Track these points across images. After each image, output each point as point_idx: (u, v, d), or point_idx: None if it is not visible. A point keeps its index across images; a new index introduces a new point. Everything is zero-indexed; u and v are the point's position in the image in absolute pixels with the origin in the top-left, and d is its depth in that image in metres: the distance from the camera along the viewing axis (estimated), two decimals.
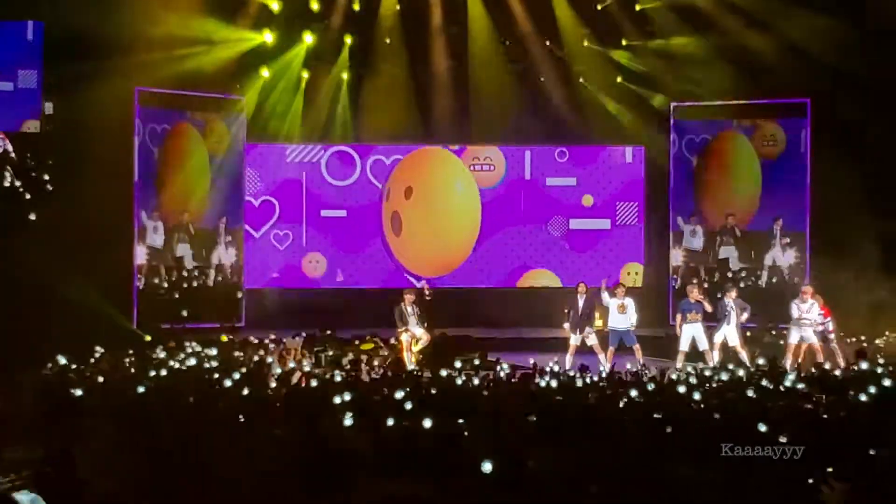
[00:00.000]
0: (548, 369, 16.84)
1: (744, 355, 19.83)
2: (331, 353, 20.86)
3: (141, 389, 12.94)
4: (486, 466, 8.11)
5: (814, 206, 25.38)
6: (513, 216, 28.15)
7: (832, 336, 20.30)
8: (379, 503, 6.79)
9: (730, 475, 8.19)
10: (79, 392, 12.88)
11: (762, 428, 9.52)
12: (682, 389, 13.47)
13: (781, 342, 21.22)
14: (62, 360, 16.34)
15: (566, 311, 21.04)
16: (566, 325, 20.93)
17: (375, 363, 19.93)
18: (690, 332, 20.37)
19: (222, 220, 26.38)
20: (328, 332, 23.19)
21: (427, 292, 22.40)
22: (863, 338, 21.45)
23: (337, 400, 11.40)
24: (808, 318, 20.05)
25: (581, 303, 20.82)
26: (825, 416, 10.91)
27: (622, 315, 20.54)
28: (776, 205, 26.11)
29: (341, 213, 27.79)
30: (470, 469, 8.08)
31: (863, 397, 12.22)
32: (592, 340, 20.64)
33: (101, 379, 14.43)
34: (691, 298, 20.70)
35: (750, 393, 13.22)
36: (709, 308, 20.51)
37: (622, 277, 26.47)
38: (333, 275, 27.76)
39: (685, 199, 27.15)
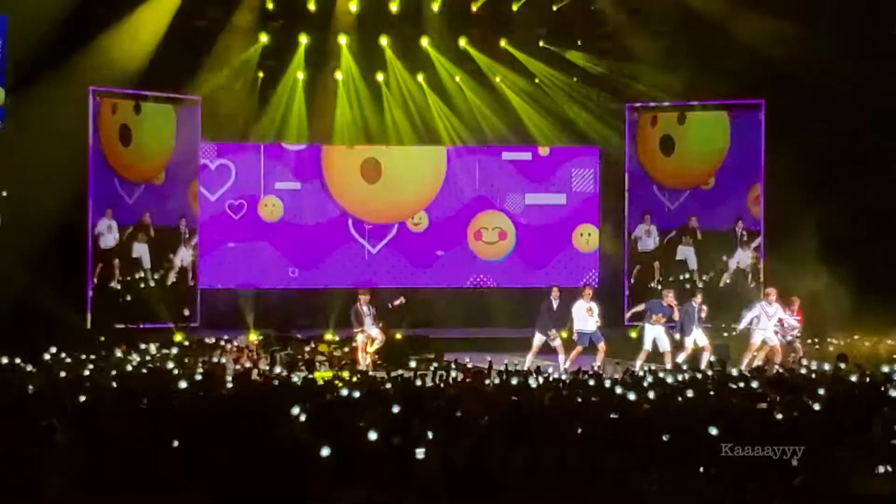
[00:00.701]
0: (503, 369, 16.83)
1: (706, 355, 19.98)
2: (286, 352, 20.81)
3: (95, 389, 12.90)
4: (419, 452, 8.22)
5: (768, 205, 25.61)
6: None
7: (797, 336, 20.44)
8: None
9: (678, 474, 8.24)
10: (31, 389, 12.81)
11: (713, 431, 9.55)
12: (638, 389, 13.50)
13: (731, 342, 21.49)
14: (16, 360, 16.27)
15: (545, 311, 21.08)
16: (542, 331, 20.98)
17: (331, 363, 20.00)
18: (653, 333, 20.49)
19: (182, 219, 26.26)
20: (286, 332, 23.22)
21: (398, 303, 22.43)
22: (832, 340, 21.68)
23: (294, 407, 11.34)
24: (773, 321, 20.19)
25: (555, 305, 20.84)
26: (779, 417, 10.96)
27: (591, 317, 20.60)
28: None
29: (296, 185, 27.76)
30: (424, 473, 8.09)
31: (817, 400, 12.27)
32: (557, 342, 20.66)
33: (55, 379, 14.36)
34: (664, 302, 20.77)
35: (688, 393, 13.31)
36: (676, 316, 20.61)
37: (575, 240, 26.73)
38: (286, 269, 27.69)
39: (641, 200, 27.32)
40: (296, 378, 14.87)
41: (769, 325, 20.18)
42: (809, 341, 21.48)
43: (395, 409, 10.80)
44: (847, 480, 7.93)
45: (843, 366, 16.10)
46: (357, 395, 12.57)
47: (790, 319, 20.31)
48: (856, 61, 22.99)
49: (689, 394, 13.11)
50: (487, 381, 15.32)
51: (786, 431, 9.86)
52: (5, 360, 16.28)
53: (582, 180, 28.05)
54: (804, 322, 20.82)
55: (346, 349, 21.31)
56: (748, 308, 20.98)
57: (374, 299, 21.49)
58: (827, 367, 16.54)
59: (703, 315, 20.81)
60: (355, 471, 8.20)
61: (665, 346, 20.36)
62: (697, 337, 20.47)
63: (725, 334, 23.14)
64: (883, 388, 13.17)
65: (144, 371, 16.67)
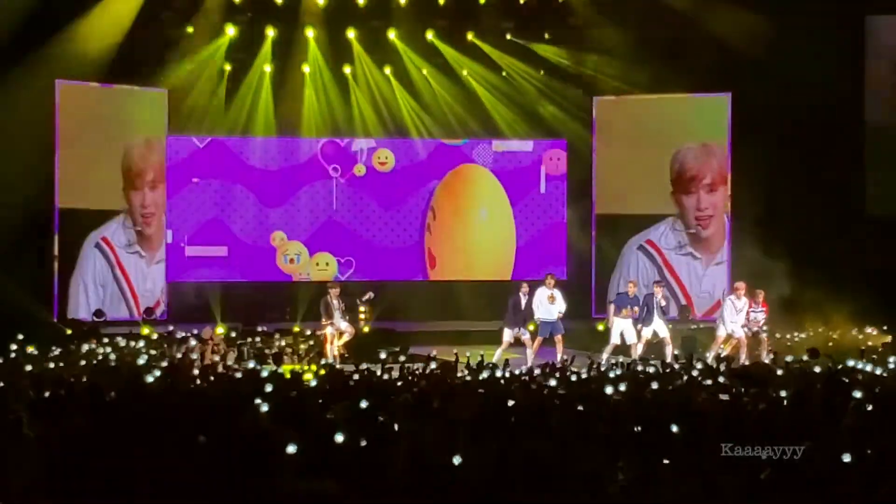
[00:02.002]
0: (471, 362, 16.79)
1: (670, 349, 20.09)
2: (254, 346, 20.78)
3: (61, 383, 12.86)
4: (339, 437, 8.31)
5: (734, 197, 25.83)
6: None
7: (764, 329, 20.51)
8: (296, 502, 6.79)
9: (647, 467, 8.28)
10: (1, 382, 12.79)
11: (673, 429, 9.60)
12: (606, 381, 13.54)
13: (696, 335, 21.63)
14: None
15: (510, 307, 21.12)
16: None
17: (299, 356, 20.01)
18: (621, 326, 20.55)
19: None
20: (252, 325, 23.22)
21: (367, 298, 22.51)
22: (797, 333, 21.79)
23: (258, 398, 11.33)
24: (741, 315, 20.27)
25: (524, 301, 20.86)
26: (748, 409, 11.02)
27: (552, 305, 20.61)
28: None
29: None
30: (389, 467, 8.11)
31: (784, 392, 12.32)
32: (525, 336, 20.68)
33: (22, 372, 14.31)
34: (629, 293, 20.89)
35: (653, 384, 13.37)
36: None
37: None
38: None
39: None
40: (264, 371, 14.87)
41: (738, 318, 20.26)
42: (777, 335, 21.56)
43: (363, 404, 10.78)
44: (816, 472, 8.00)
45: (811, 359, 16.22)
46: (322, 387, 12.59)
47: (756, 312, 20.38)
48: (824, 53, 23.10)
49: (654, 386, 13.17)
50: (459, 374, 15.32)
51: (753, 424, 9.91)
52: None
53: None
54: (770, 313, 20.87)
55: (313, 342, 21.29)
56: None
57: (344, 293, 21.56)
58: (790, 358, 16.60)
59: (664, 305, 20.91)
60: (322, 463, 8.21)
61: (632, 338, 20.44)
62: (658, 329, 20.54)
63: (693, 327, 23.31)
64: (848, 380, 13.25)
65: (110, 364, 16.62)
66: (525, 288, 21.01)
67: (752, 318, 20.28)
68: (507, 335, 20.69)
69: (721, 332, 20.43)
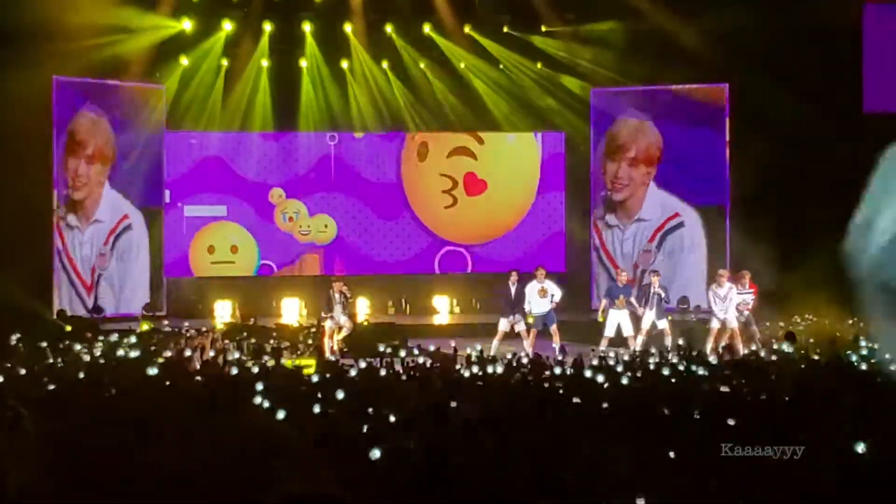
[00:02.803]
0: (471, 354, 16.78)
1: (669, 340, 20.03)
2: (252, 340, 20.76)
3: (61, 379, 12.86)
4: (375, 453, 8.18)
5: (733, 188, 25.86)
6: None
7: (751, 317, 20.41)
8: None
9: (645, 458, 8.27)
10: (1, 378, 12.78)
11: (665, 411, 9.61)
12: (602, 374, 13.54)
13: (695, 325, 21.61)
14: None
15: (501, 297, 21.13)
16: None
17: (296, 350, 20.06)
18: (617, 318, 20.49)
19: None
20: (251, 319, 23.24)
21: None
22: (781, 323, 21.71)
23: (257, 391, 11.32)
24: (729, 302, 20.16)
25: (513, 290, 20.85)
26: (747, 399, 11.02)
27: (543, 299, 20.59)
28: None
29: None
30: (391, 464, 8.10)
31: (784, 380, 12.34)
32: (521, 326, 20.67)
33: (21, 368, 14.30)
34: (619, 282, 20.90)
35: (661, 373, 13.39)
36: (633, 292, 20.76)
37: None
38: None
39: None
40: (259, 366, 14.89)
41: (726, 306, 20.13)
42: (768, 323, 21.52)
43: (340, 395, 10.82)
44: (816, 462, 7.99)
45: (790, 346, 16.28)
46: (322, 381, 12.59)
47: (744, 294, 20.27)
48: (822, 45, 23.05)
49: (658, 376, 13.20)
50: (458, 367, 15.31)
51: (753, 414, 9.92)
52: None
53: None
54: (758, 294, 20.79)
55: (311, 339, 21.27)
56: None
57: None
58: (785, 347, 16.59)
59: (663, 295, 20.84)
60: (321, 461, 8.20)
61: (629, 330, 20.40)
62: (657, 320, 20.51)
63: (692, 317, 23.27)
64: (842, 369, 13.29)
65: (108, 361, 16.61)
66: (514, 277, 20.98)
67: (741, 300, 20.16)
68: (502, 324, 20.66)
69: (714, 324, 20.25)
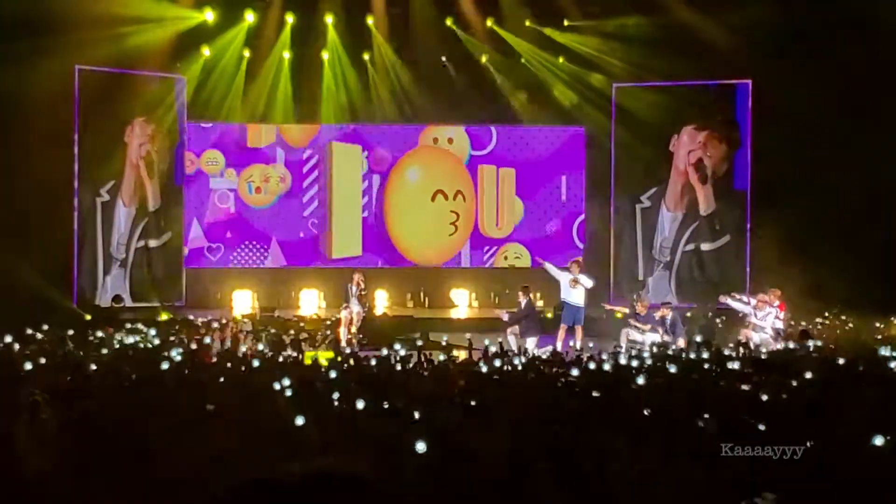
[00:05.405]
0: (490, 349, 16.76)
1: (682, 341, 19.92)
2: (272, 331, 20.83)
3: (84, 367, 12.93)
4: (420, 446, 8.13)
5: (754, 185, 25.77)
6: None
7: (782, 331, 20.26)
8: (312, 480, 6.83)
9: (666, 455, 8.26)
10: (28, 366, 12.83)
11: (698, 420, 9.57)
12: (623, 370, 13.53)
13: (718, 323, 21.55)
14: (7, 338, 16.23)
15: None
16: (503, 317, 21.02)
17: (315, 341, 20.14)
18: (647, 339, 20.23)
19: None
20: (270, 311, 23.35)
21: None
22: (803, 323, 21.63)
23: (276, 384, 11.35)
24: (764, 324, 19.97)
25: (523, 304, 20.74)
26: (764, 398, 10.97)
27: (573, 290, 20.53)
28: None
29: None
30: (406, 450, 8.10)
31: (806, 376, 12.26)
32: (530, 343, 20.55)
33: (42, 357, 14.36)
34: (640, 312, 20.64)
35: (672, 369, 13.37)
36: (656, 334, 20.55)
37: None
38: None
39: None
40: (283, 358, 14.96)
41: (764, 323, 19.94)
42: (792, 322, 21.41)
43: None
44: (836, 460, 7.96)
45: (803, 341, 16.21)
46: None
47: (778, 321, 20.10)
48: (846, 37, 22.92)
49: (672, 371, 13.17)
50: (478, 361, 15.29)
51: (773, 413, 9.88)
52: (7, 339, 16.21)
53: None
54: (786, 308, 20.67)
55: (329, 332, 21.32)
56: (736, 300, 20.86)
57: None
58: (810, 345, 16.55)
59: (674, 326, 20.41)
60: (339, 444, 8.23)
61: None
62: (677, 339, 20.05)
63: (710, 315, 23.18)
64: (863, 369, 13.22)
65: (129, 350, 16.67)
66: (521, 296, 20.95)
67: (777, 328, 20.00)
68: (510, 339, 20.51)
69: (752, 343, 19.89)
